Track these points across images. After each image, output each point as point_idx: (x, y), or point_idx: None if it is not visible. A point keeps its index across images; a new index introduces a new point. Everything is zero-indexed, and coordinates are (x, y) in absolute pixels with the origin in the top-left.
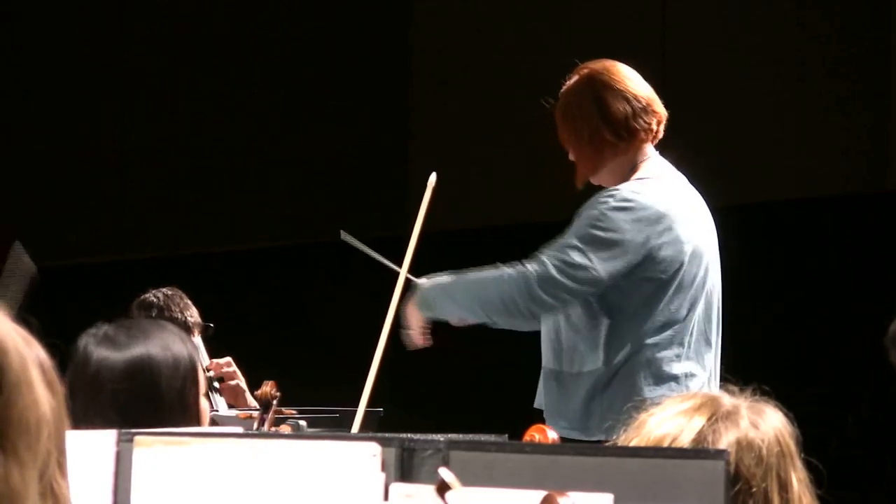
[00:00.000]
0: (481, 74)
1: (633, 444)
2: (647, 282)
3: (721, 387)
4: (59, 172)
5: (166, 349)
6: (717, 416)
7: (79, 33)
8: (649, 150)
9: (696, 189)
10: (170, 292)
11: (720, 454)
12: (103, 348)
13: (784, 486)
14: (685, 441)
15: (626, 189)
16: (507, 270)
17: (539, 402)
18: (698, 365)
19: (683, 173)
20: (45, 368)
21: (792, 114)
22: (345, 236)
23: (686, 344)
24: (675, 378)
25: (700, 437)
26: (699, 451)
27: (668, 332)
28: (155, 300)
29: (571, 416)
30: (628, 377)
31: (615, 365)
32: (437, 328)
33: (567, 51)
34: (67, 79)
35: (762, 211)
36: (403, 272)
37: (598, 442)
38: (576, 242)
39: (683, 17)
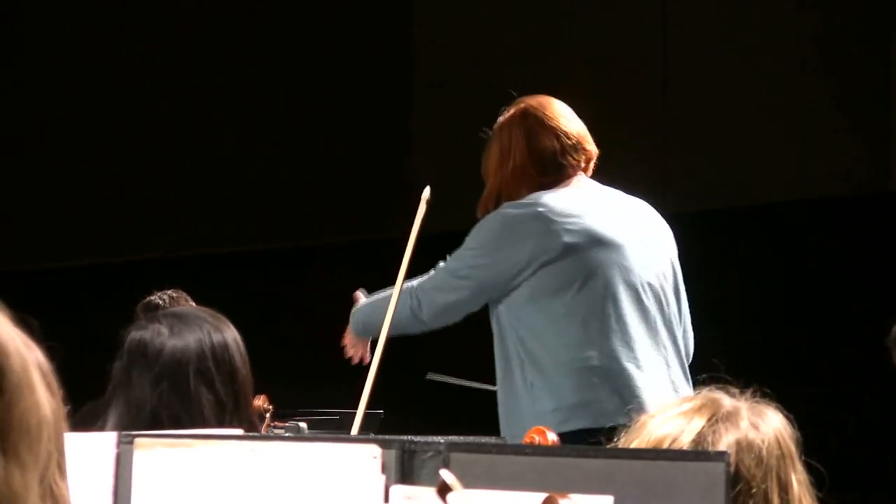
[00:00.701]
0: (482, 75)
1: (634, 444)
2: (535, 277)
3: (722, 388)
4: (60, 172)
5: (226, 330)
6: (717, 417)
7: (79, 33)
8: (575, 177)
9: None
10: (175, 294)
11: (720, 456)
12: (175, 339)
13: (784, 488)
14: (685, 442)
15: (505, 204)
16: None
17: None
18: (612, 354)
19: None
20: (44, 371)
21: (792, 114)
22: (431, 376)
23: (599, 337)
24: (584, 370)
25: (700, 437)
26: (699, 453)
27: (577, 325)
28: (160, 302)
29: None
30: (539, 372)
31: (530, 361)
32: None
33: (568, 51)
34: (68, 79)
35: (763, 211)
36: (399, 283)
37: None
38: (452, 256)
39: (684, 18)
